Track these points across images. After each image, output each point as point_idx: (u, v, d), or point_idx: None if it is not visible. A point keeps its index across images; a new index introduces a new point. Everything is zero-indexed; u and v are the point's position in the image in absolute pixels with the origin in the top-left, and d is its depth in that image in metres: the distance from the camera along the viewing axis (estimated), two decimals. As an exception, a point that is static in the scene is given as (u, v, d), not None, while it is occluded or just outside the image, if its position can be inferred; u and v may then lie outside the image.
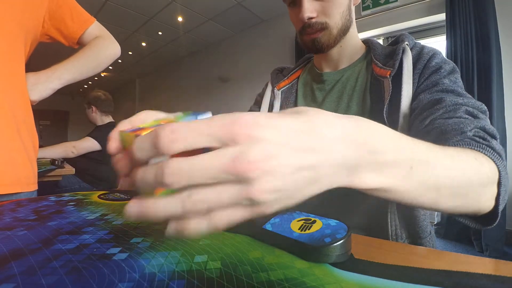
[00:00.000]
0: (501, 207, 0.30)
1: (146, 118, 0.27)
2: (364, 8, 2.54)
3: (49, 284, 0.17)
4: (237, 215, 0.17)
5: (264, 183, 0.15)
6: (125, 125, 0.24)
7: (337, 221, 0.25)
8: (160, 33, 3.95)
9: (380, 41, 2.65)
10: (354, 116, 0.20)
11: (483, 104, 0.38)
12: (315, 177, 0.17)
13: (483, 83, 1.88)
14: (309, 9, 0.49)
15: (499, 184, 0.30)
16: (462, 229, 1.99)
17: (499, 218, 0.31)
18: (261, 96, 0.70)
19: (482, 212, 0.30)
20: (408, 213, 0.48)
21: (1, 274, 0.18)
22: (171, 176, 0.15)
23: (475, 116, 0.36)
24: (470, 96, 0.40)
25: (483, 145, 0.31)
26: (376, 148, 0.19)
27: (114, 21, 3.43)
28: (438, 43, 2.38)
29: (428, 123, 0.38)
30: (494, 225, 0.32)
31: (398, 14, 2.40)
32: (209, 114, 0.22)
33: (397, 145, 0.21)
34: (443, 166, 0.24)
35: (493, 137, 0.34)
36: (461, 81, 0.43)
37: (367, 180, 0.20)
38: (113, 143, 0.22)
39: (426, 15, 2.27)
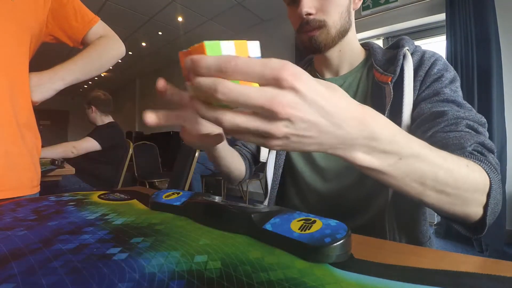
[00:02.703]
0: (489, 218, 0.32)
1: None
2: (364, 8, 2.54)
3: (49, 284, 0.17)
4: (251, 138, 0.22)
5: (284, 126, 0.20)
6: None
7: (337, 221, 0.24)
8: (160, 33, 3.95)
9: (380, 41, 2.66)
10: (366, 106, 0.24)
11: (483, 117, 0.40)
12: (319, 142, 0.22)
13: (483, 83, 1.88)
14: (308, 5, 0.49)
15: (488, 195, 0.31)
16: (462, 229, 1.98)
17: (486, 228, 0.32)
18: None
19: (470, 218, 0.32)
20: (408, 217, 0.48)
21: (1, 274, 0.18)
22: (221, 94, 0.19)
23: (475, 130, 0.38)
24: (469, 106, 0.42)
25: (481, 158, 0.33)
26: (373, 135, 0.23)
27: (114, 21, 3.41)
28: (438, 43, 2.37)
29: (430, 135, 0.40)
30: (482, 235, 0.34)
31: (398, 14, 2.40)
32: (257, 43, 0.25)
33: (392, 138, 0.25)
34: (432, 163, 0.27)
35: (491, 151, 0.36)
36: (461, 91, 0.45)
37: (358, 158, 0.25)
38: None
39: (426, 15, 2.27)
